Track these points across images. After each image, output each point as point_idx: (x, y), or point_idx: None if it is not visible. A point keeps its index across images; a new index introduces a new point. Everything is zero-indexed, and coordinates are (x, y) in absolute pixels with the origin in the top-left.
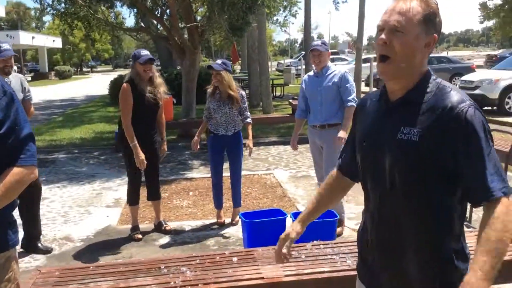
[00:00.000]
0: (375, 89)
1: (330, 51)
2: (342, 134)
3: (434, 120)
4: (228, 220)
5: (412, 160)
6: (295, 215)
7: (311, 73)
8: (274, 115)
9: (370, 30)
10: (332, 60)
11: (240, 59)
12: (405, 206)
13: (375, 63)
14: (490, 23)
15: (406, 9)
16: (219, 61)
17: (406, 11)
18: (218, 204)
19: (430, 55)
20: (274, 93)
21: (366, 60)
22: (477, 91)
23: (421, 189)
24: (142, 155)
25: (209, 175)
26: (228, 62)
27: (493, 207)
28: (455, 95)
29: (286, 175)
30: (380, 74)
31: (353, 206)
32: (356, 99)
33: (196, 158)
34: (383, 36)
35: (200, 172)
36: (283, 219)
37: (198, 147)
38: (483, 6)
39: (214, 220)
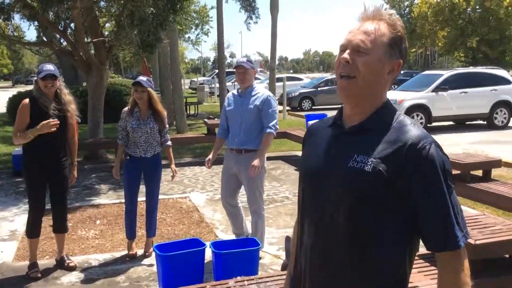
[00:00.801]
0: (288, 108)
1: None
2: (257, 162)
3: (391, 153)
4: (140, 252)
5: (361, 192)
6: (215, 245)
7: (235, 91)
8: (189, 135)
9: (281, 50)
10: None
11: (151, 76)
12: (345, 246)
13: (288, 82)
14: None
15: (372, 30)
16: (144, 78)
17: (372, 32)
18: (131, 234)
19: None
20: (188, 112)
21: (279, 79)
22: None
23: (366, 226)
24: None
25: (118, 200)
26: (151, 80)
27: (450, 261)
28: (415, 130)
29: (203, 198)
30: (342, 90)
31: (274, 230)
32: (277, 126)
33: (104, 182)
34: (345, 55)
35: (109, 198)
36: (201, 250)
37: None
38: None
39: (125, 252)
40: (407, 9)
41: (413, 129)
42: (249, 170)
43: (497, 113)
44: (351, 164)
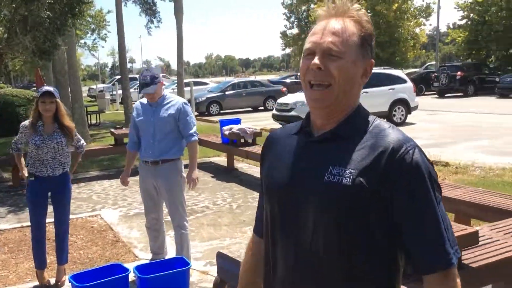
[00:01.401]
0: (196, 113)
1: None
2: (196, 174)
3: (372, 161)
4: (52, 281)
5: (341, 206)
6: (139, 269)
7: (144, 100)
8: (94, 147)
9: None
10: None
11: (45, 84)
12: (327, 270)
13: (195, 87)
14: (289, 50)
15: (340, 29)
16: (51, 88)
17: (341, 32)
18: (41, 263)
19: (244, 80)
20: (90, 122)
21: (186, 84)
22: (292, 113)
23: (351, 235)
24: None
25: (20, 224)
26: (57, 90)
27: (440, 283)
28: (395, 134)
29: (116, 215)
30: (315, 101)
31: (198, 244)
32: (197, 133)
33: (1, 204)
34: (316, 61)
35: (8, 222)
36: (125, 276)
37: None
38: (284, 35)
39: (34, 284)
40: (304, 13)
41: (393, 132)
42: (189, 184)
43: (395, 111)
44: (326, 179)
